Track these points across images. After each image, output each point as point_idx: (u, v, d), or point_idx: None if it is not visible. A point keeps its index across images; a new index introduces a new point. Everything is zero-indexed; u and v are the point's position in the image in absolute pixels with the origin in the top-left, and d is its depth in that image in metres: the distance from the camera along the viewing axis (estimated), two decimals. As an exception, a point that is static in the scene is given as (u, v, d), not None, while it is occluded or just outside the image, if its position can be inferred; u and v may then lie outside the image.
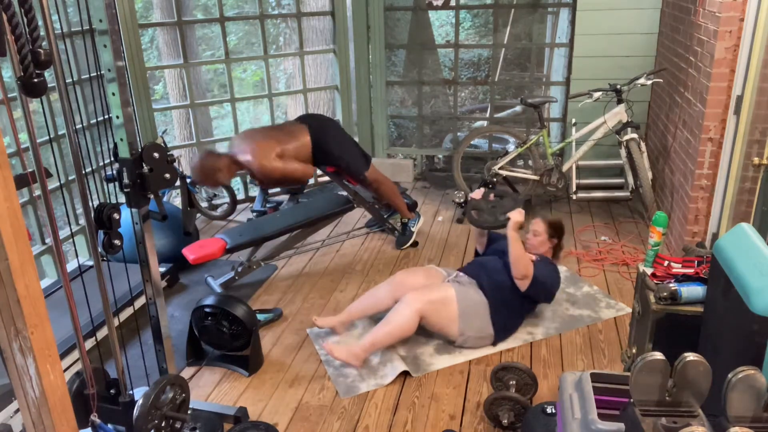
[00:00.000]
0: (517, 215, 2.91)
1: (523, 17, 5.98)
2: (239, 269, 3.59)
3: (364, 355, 2.76)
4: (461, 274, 3.04)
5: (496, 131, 4.99)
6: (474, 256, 3.40)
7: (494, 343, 2.91)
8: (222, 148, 4.36)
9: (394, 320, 2.75)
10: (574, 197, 4.39)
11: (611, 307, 3.23)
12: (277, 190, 4.97)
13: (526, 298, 2.93)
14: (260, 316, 3.13)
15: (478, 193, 3.13)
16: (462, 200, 4.49)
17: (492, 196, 3.10)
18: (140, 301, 2.95)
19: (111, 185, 1.95)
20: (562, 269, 3.64)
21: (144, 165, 1.89)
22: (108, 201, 1.83)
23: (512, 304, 2.91)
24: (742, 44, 2.93)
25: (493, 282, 2.90)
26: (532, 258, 2.93)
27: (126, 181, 1.90)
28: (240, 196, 4.94)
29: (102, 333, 2.74)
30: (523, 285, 2.85)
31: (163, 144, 3.90)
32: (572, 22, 4.68)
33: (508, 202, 3.05)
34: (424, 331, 2.93)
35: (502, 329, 2.91)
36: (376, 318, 3.02)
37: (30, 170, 1.83)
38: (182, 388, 2.10)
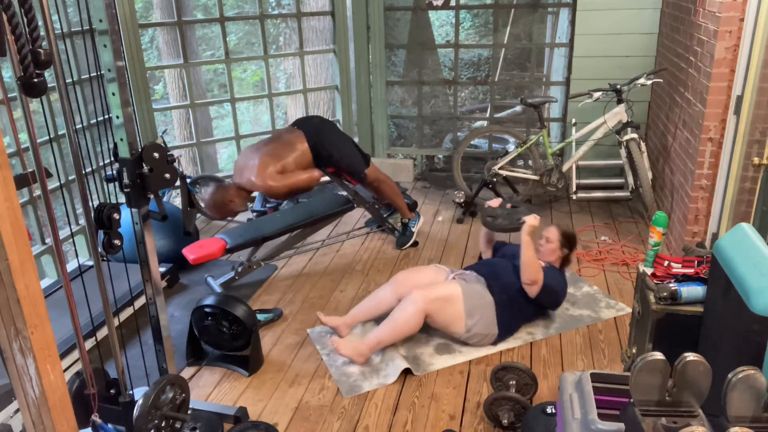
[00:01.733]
0: (532, 219, 2.95)
1: (523, 17, 5.98)
2: (239, 269, 3.59)
3: (369, 353, 2.77)
4: (468, 272, 3.04)
5: (496, 131, 4.99)
6: (478, 260, 3.41)
7: (495, 343, 2.91)
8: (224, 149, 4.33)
9: (399, 318, 2.75)
10: (574, 197, 4.39)
11: (611, 307, 3.23)
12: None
13: (532, 303, 2.94)
14: (260, 316, 3.13)
15: (495, 202, 3.21)
16: (462, 200, 4.49)
17: (509, 205, 3.19)
18: (140, 301, 2.96)
19: (111, 185, 1.95)
20: (562, 269, 3.65)
21: (144, 165, 1.89)
22: (108, 201, 1.83)
23: (518, 307, 2.92)
24: (742, 44, 2.93)
25: (501, 282, 2.91)
26: (542, 264, 2.94)
27: (126, 181, 1.90)
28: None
29: (102, 333, 2.74)
30: (531, 290, 2.86)
31: (163, 144, 3.89)
32: (572, 22, 4.68)
33: (523, 209, 3.13)
34: (424, 331, 2.93)
35: (506, 329, 2.92)
36: (379, 320, 3.02)
37: (30, 170, 1.83)
38: (182, 388, 2.10)
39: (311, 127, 3.81)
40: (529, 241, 2.88)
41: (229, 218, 4.13)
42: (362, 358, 2.76)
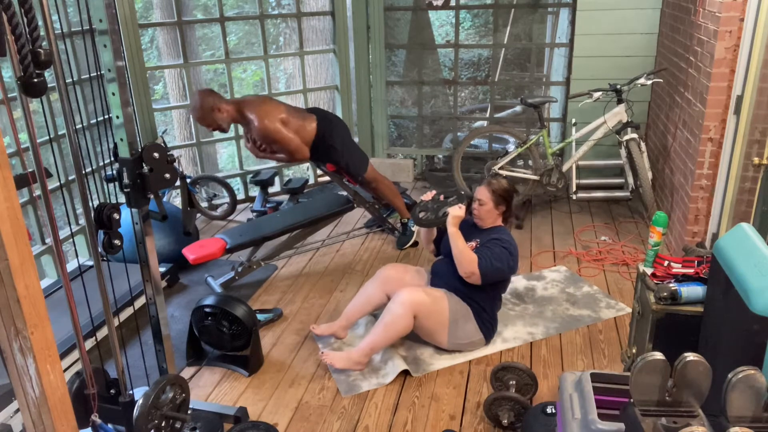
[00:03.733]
0: (456, 210, 2.82)
1: (523, 17, 5.98)
2: (239, 269, 3.59)
3: (365, 360, 2.75)
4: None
5: (496, 131, 4.99)
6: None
7: (486, 343, 2.90)
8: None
9: (388, 320, 2.72)
10: (574, 197, 4.39)
11: (611, 307, 3.23)
12: (277, 189, 4.98)
13: (490, 287, 2.83)
14: (260, 316, 3.13)
15: (428, 195, 3.05)
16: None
17: (441, 197, 3.02)
18: (140, 301, 2.96)
19: (111, 185, 1.95)
20: (562, 269, 3.64)
21: (144, 165, 1.89)
22: (108, 201, 1.83)
23: (482, 299, 2.83)
24: (742, 44, 2.93)
25: (456, 286, 2.82)
26: (472, 246, 2.81)
27: (126, 181, 1.90)
28: (240, 196, 4.94)
29: (102, 333, 2.74)
30: (474, 281, 2.74)
31: (163, 144, 3.89)
32: (572, 22, 4.68)
33: (454, 201, 2.95)
34: (424, 331, 2.93)
35: (490, 327, 2.89)
36: (377, 314, 3.02)
37: (30, 170, 1.83)
38: (182, 388, 2.10)
39: (325, 116, 3.90)
40: (455, 232, 2.76)
41: (206, 127, 3.78)
42: (359, 365, 2.74)
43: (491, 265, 2.72)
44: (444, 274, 2.89)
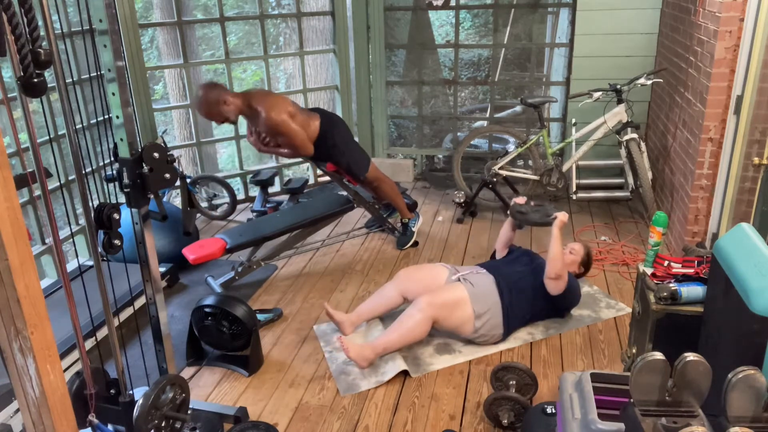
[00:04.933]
0: (563, 216, 3.01)
1: (523, 17, 5.98)
2: (239, 269, 3.59)
3: (374, 358, 2.75)
4: (477, 269, 3.04)
5: (496, 131, 4.99)
6: (490, 259, 3.41)
7: (497, 342, 2.92)
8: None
9: (406, 324, 2.75)
10: (574, 197, 4.39)
11: (611, 307, 3.23)
12: (277, 189, 4.98)
13: (545, 303, 2.96)
14: (260, 316, 3.13)
15: (521, 199, 3.25)
16: (462, 200, 4.49)
17: (532, 203, 3.25)
18: (140, 301, 2.96)
19: (111, 185, 1.95)
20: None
21: (144, 165, 1.88)
22: (108, 201, 1.83)
23: (527, 306, 2.95)
24: (742, 44, 2.93)
25: (513, 282, 2.93)
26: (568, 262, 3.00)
27: (126, 181, 1.90)
28: (240, 196, 4.94)
29: (102, 333, 2.74)
30: (555, 285, 2.89)
31: (163, 144, 3.89)
32: (572, 22, 4.68)
33: (549, 207, 3.18)
34: (424, 331, 2.93)
35: (510, 329, 2.94)
36: (383, 318, 3.03)
37: (30, 170, 1.83)
38: (182, 388, 2.10)
39: (328, 115, 3.92)
40: (560, 236, 2.92)
41: (213, 121, 3.73)
42: (366, 362, 2.75)
43: (573, 284, 2.98)
44: (510, 267, 3.04)
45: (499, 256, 3.33)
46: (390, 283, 3.08)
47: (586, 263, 3.19)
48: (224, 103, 3.54)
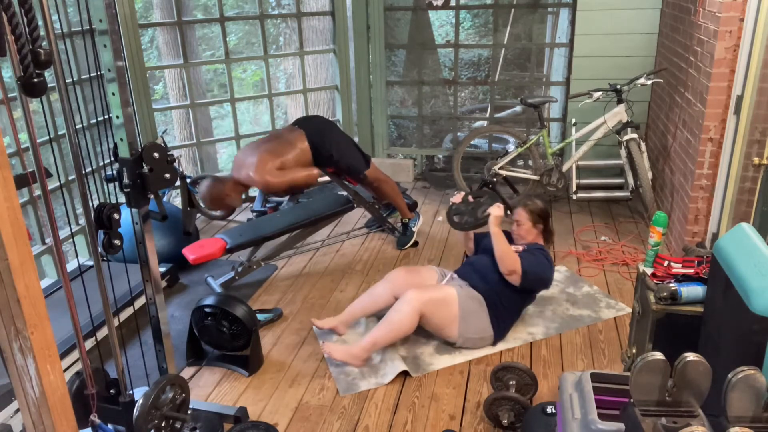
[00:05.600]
0: (495, 210, 2.90)
1: (523, 17, 5.98)
2: (239, 269, 3.59)
3: (365, 355, 2.75)
4: (455, 276, 3.02)
5: (496, 131, 4.99)
6: (463, 259, 3.38)
7: (494, 343, 2.91)
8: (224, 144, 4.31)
9: (394, 318, 2.74)
10: (574, 197, 4.39)
11: (611, 307, 3.23)
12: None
13: (522, 292, 2.91)
14: (260, 316, 3.13)
15: (458, 197, 3.12)
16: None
17: (471, 198, 3.10)
18: (140, 301, 2.96)
19: (111, 185, 1.95)
20: (562, 269, 3.64)
21: (144, 165, 1.89)
22: (108, 201, 1.83)
23: (508, 302, 2.89)
24: (742, 44, 2.93)
25: (485, 282, 2.88)
26: (518, 249, 2.90)
27: (126, 181, 1.90)
28: (240, 196, 4.94)
29: (102, 333, 2.74)
30: (514, 280, 2.82)
31: (163, 144, 3.89)
32: (572, 22, 4.68)
33: (486, 201, 3.04)
34: (424, 331, 2.93)
35: (502, 328, 2.91)
36: (378, 315, 3.02)
37: (30, 170, 1.83)
38: (182, 388, 2.10)
39: (312, 126, 3.81)
40: (498, 232, 2.84)
41: (223, 213, 4.01)
42: (358, 360, 2.75)
43: (533, 268, 2.83)
44: (482, 266, 2.93)
45: (470, 253, 3.26)
46: (382, 282, 3.06)
47: (539, 217, 2.99)
48: (226, 196, 3.62)
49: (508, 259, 2.79)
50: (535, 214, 2.99)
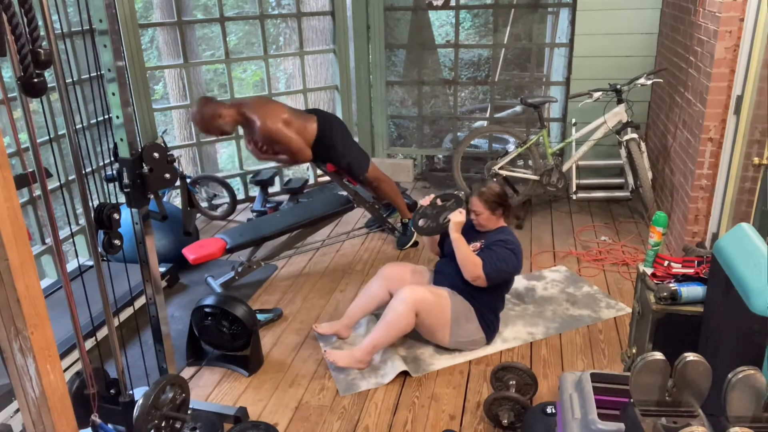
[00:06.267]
0: (456, 216, 2.84)
1: (523, 17, 5.98)
2: (239, 269, 3.59)
3: (367, 358, 2.75)
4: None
5: (496, 131, 4.99)
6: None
7: (488, 342, 2.91)
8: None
9: (391, 318, 2.73)
10: (574, 197, 4.39)
11: (611, 307, 3.23)
12: (277, 189, 4.98)
13: (495, 287, 2.85)
14: (260, 316, 3.13)
15: (426, 200, 3.06)
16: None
17: (439, 201, 3.04)
18: (140, 301, 2.96)
19: (111, 185, 1.95)
20: (562, 269, 3.64)
21: (144, 165, 1.89)
22: (108, 201, 1.83)
23: (485, 300, 2.85)
24: (742, 44, 2.93)
25: (456, 288, 2.84)
26: (477, 247, 2.84)
27: (126, 181, 1.90)
28: (240, 196, 4.94)
29: (102, 333, 2.74)
30: (479, 284, 2.78)
31: (163, 144, 3.89)
32: (572, 22, 4.68)
33: (451, 206, 2.98)
34: (424, 331, 2.93)
35: (492, 327, 2.90)
36: (378, 313, 3.02)
37: (30, 170, 1.83)
38: (182, 388, 2.10)
39: (325, 116, 3.91)
40: (458, 238, 2.79)
41: (210, 135, 3.83)
42: (361, 364, 2.74)
43: (496, 267, 2.75)
44: (448, 274, 2.89)
45: (438, 258, 3.18)
46: (374, 279, 3.04)
47: (496, 204, 2.87)
48: (220, 117, 3.60)
49: (469, 265, 2.74)
50: (490, 202, 2.87)
